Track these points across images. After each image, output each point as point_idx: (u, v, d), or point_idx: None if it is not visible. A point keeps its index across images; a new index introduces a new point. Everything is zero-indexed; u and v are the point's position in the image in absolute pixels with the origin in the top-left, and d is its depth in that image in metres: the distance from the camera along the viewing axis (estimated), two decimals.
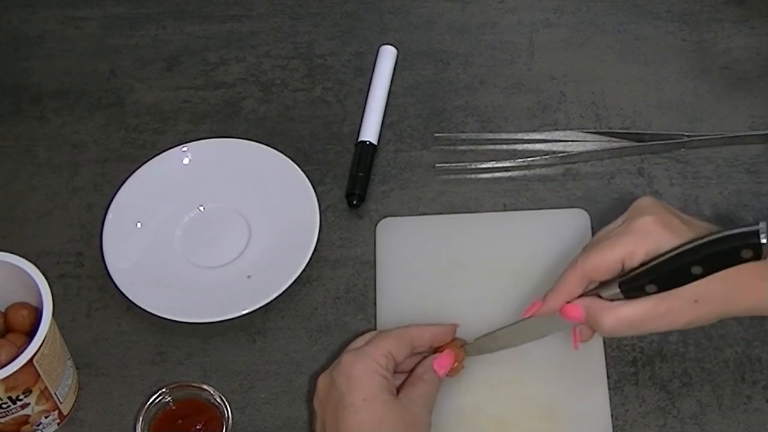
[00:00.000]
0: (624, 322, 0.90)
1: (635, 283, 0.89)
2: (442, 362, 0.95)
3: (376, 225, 1.09)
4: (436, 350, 0.97)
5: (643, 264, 0.89)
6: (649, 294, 0.89)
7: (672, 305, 0.89)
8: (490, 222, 1.09)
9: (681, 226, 0.90)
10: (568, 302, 0.92)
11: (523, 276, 1.04)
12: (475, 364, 0.99)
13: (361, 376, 0.91)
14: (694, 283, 0.88)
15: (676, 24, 1.21)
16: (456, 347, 0.97)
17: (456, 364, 0.97)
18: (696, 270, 0.87)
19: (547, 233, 1.07)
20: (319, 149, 1.15)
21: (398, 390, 0.94)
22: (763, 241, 0.83)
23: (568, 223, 1.08)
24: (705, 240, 0.86)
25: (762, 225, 0.83)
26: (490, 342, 0.98)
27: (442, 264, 1.06)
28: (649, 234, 0.89)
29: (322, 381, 0.93)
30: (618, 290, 0.90)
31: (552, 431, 0.97)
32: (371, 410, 0.89)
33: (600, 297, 0.91)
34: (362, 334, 1.02)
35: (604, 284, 0.91)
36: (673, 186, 1.10)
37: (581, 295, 0.92)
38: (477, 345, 0.99)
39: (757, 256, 0.84)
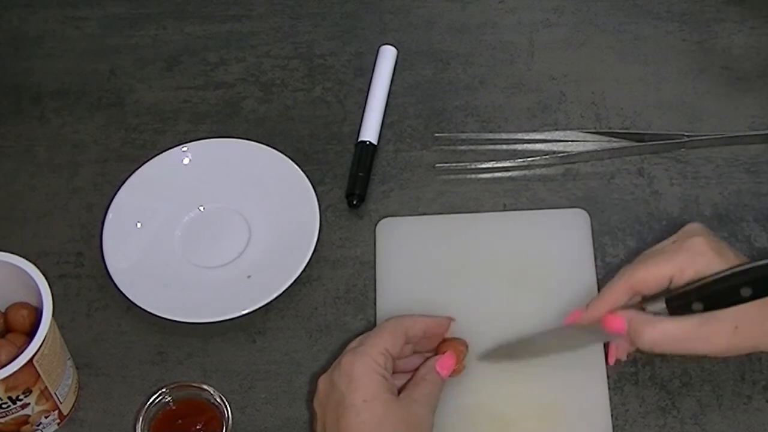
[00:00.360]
0: (667, 338, 0.92)
1: (683, 300, 0.91)
2: (444, 363, 0.95)
3: (376, 225, 1.09)
4: (438, 351, 0.97)
5: (690, 282, 0.91)
6: (694, 312, 0.91)
7: (714, 328, 0.91)
8: (490, 222, 1.09)
9: (729, 252, 0.93)
10: (611, 313, 0.93)
11: (523, 276, 1.05)
12: (476, 364, 0.99)
13: (361, 376, 0.91)
14: (736, 310, 0.89)
15: (676, 24, 1.21)
16: (457, 347, 0.97)
17: (458, 364, 0.97)
18: (745, 292, 0.89)
19: (547, 233, 1.07)
20: (319, 149, 1.15)
21: (400, 390, 0.94)
22: None
23: (568, 223, 1.08)
24: (758, 264, 0.88)
25: None
26: (521, 349, 0.99)
27: (442, 264, 1.06)
28: (701, 255, 0.92)
29: (322, 382, 0.93)
30: (664, 305, 0.92)
31: (552, 431, 0.97)
32: (372, 411, 0.89)
33: (643, 311, 0.93)
34: (362, 334, 1.03)
35: (649, 299, 0.93)
36: (673, 186, 1.10)
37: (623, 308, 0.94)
38: (505, 351, 0.99)
39: None
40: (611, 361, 0.98)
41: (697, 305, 0.91)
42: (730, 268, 0.90)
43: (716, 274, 0.90)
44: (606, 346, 0.99)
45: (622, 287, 0.94)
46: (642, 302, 0.94)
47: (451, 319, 0.98)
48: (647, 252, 0.96)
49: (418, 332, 0.96)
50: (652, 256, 0.94)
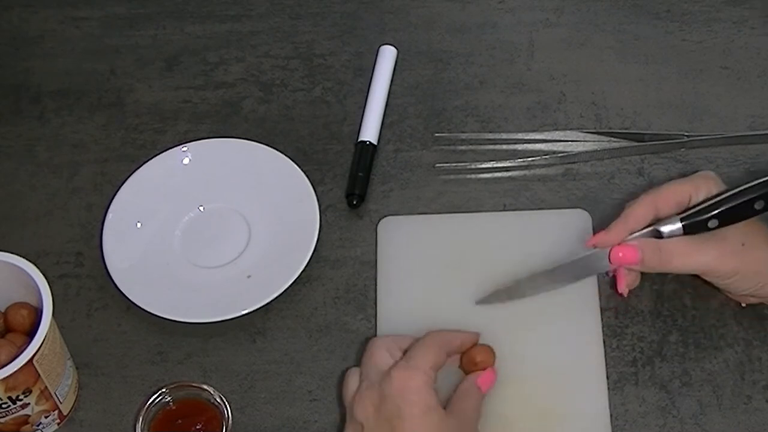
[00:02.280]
0: (677, 251, 0.97)
1: (698, 217, 0.96)
2: (485, 379, 0.97)
3: (377, 224, 1.09)
4: (468, 359, 0.98)
5: (705, 201, 0.96)
6: (710, 229, 0.96)
7: (723, 244, 0.96)
8: (490, 222, 1.09)
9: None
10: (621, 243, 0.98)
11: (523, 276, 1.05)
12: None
13: (419, 390, 0.91)
14: (744, 226, 0.96)
15: (676, 24, 1.21)
16: (488, 355, 0.98)
17: (482, 366, 0.98)
18: (759, 205, 0.95)
19: (547, 233, 1.07)
20: (319, 149, 1.15)
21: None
22: None
23: (569, 224, 1.08)
24: None
25: None
26: (518, 289, 1.02)
27: (443, 264, 1.06)
28: (714, 179, 0.99)
29: (367, 397, 0.93)
30: (680, 224, 0.96)
31: (552, 431, 0.97)
32: (430, 422, 0.91)
33: (658, 235, 0.97)
34: (362, 333, 1.03)
35: (665, 220, 0.97)
36: None
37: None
38: (504, 293, 1.02)
39: None
40: (622, 289, 1.00)
41: (712, 222, 0.96)
42: (744, 184, 0.95)
43: (730, 189, 0.96)
44: (614, 281, 1.02)
45: (645, 207, 0.98)
46: (658, 225, 0.98)
47: (478, 335, 0.99)
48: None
49: (457, 347, 0.97)
50: (668, 183, 0.99)
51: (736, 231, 0.96)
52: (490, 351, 0.98)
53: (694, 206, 0.97)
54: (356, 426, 0.93)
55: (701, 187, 0.98)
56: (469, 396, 0.95)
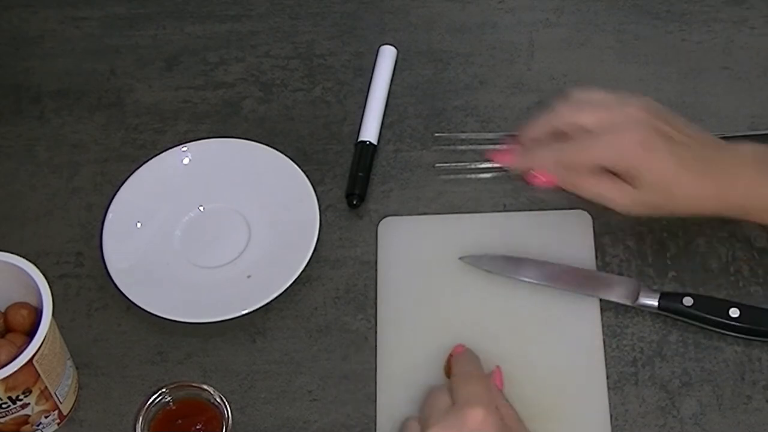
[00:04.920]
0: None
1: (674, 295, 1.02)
2: (497, 378, 0.97)
3: (377, 224, 1.09)
4: (449, 362, 0.99)
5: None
6: (684, 306, 1.01)
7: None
8: (490, 222, 1.09)
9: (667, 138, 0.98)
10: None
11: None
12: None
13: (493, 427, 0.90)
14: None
15: (676, 24, 1.21)
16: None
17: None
18: (734, 312, 1.00)
19: (548, 234, 1.07)
20: (319, 149, 1.15)
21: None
22: None
23: (570, 225, 1.08)
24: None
25: None
26: (510, 266, 1.05)
27: (442, 264, 1.06)
28: (626, 148, 0.98)
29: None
30: (656, 303, 1.02)
31: (552, 431, 0.97)
32: None
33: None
34: (362, 333, 1.03)
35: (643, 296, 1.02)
36: None
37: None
38: (494, 260, 1.05)
39: None
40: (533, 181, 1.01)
41: (687, 300, 1.00)
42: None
43: (710, 295, 1.02)
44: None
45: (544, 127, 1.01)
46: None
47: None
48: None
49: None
50: (582, 137, 0.99)
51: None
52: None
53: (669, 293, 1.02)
54: None
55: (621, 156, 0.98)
56: (504, 405, 0.94)
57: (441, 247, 1.07)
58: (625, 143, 0.97)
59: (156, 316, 1.04)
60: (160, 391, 0.97)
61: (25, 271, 0.96)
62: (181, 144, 1.14)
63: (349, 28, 1.23)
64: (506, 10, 1.23)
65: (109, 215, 1.10)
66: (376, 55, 1.19)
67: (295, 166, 1.11)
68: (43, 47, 1.23)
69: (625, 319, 1.03)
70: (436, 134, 1.15)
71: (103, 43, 1.23)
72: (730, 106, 1.15)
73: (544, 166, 0.99)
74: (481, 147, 1.14)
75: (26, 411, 0.96)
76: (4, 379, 0.91)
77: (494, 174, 1.12)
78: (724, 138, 1.12)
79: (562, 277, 1.03)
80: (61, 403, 0.99)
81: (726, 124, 1.13)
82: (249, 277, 1.07)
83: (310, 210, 1.08)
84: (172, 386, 0.98)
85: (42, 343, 0.93)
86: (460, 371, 0.96)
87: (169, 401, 0.98)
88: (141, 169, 1.12)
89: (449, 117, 1.16)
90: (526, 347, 1.01)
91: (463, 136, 1.15)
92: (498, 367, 0.98)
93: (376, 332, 1.04)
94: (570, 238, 1.07)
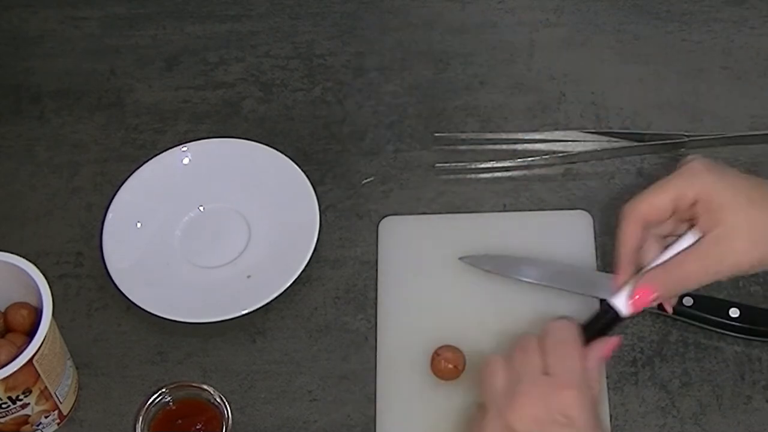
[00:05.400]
0: (690, 273, 0.89)
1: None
2: (606, 349, 0.91)
3: (377, 224, 1.09)
4: (433, 359, 0.99)
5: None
6: (684, 306, 1.01)
7: (728, 245, 0.88)
8: (490, 222, 1.09)
9: (729, 171, 0.90)
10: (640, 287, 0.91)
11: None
12: (476, 365, 0.99)
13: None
14: (745, 221, 0.88)
15: (676, 24, 1.21)
16: (456, 354, 0.99)
17: (452, 366, 0.98)
18: (733, 312, 1.01)
19: (549, 234, 1.07)
20: (319, 149, 1.15)
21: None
22: None
23: (570, 225, 1.08)
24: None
25: None
26: (511, 265, 1.04)
27: (442, 264, 1.06)
28: (697, 175, 0.89)
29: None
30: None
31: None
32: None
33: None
34: (362, 333, 1.03)
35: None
36: None
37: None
38: (495, 260, 1.05)
39: None
40: (670, 311, 0.96)
41: (687, 300, 0.99)
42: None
43: (710, 294, 1.00)
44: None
45: (631, 228, 0.90)
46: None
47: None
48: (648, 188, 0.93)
49: None
50: (650, 188, 0.91)
51: (738, 224, 0.88)
52: (456, 349, 0.99)
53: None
54: None
55: (687, 191, 0.89)
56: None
57: (441, 247, 1.07)
58: (689, 168, 0.91)
59: (156, 316, 1.04)
60: (160, 391, 0.97)
61: (25, 271, 0.96)
62: (181, 144, 1.14)
63: (349, 28, 1.23)
64: (506, 10, 1.23)
65: (109, 215, 1.10)
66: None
67: (295, 166, 1.11)
68: (43, 47, 1.23)
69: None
70: (436, 134, 1.15)
71: (103, 43, 1.23)
72: (730, 106, 1.15)
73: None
74: (481, 147, 1.14)
75: (26, 411, 0.96)
76: (4, 379, 0.91)
77: (494, 174, 1.12)
78: (725, 138, 1.12)
79: (562, 277, 1.03)
80: (61, 403, 0.99)
81: (726, 124, 1.13)
82: (249, 277, 1.07)
83: (310, 210, 1.08)
84: (172, 386, 0.98)
85: (42, 343, 0.93)
86: (558, 339, 0.88)
87: (169, 401, 0.98)
88: (141, 169, 1.12)
89: (449, 117, 1.16)
90: None
91: (463, 136, 1.15)
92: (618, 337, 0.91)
93: (376, 332, 1.04)
94: (570, 238, 1.07)
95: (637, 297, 0.90)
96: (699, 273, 0.89)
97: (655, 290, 0.89)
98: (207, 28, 1.23)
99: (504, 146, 1.14)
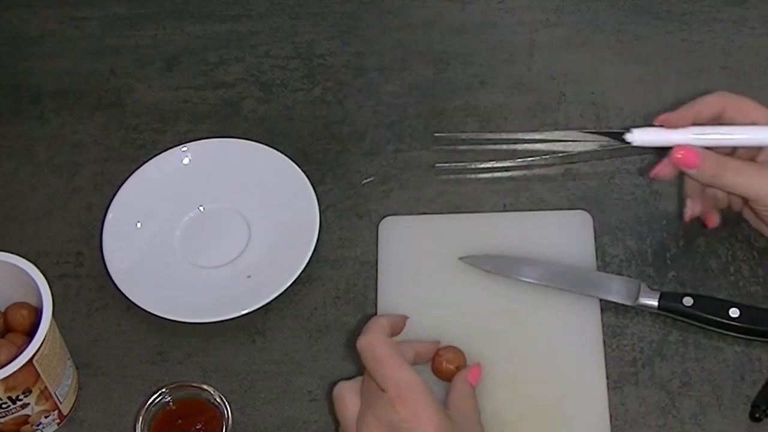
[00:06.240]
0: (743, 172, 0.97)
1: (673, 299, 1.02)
2: (473, 375, 0.96)
3: (377, 224, 1.09)
4: (434, 360, 0.98)
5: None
6: (685, 306, 1.00)
7: None
8: (490, 222, 1.09)
9: None
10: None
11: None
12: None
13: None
14: None
15: (676, 24, 1.21)
16: (458, 355, 0.98)
17: (453, 367, 0.98)
18: (733, 312, 1.00)
19: (549, 234, 1.07)
20: (319, 149, 1.15)
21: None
22: None
23: (570, 225, 1.08)
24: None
25: None
26: (511, 265, 1.04)
27: (442, 264, 1.06)
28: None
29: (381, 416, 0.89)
30: (656, 303, 1.01)
31: (552, 431, 0.97)
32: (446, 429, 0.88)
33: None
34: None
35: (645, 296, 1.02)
36: (672, 186, 1.10)
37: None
38: (494, 260, 1.04)
39: None
40: (655, 174, 1.00)
41: (687, 300, 1.00)
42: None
43: (710, 295, 1.01)
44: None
45: (713, 101, 0.99)
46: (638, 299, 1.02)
47: (438, 343, 0.99)
48: None
49: (410, 358, 0.95)
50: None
51: None
52: (457, 350, 0.99)
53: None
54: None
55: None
56: (467, 397, 0.94)
57: (441, 247, 1.07)
58: None
59: (156, 316, 1.04)
60: (160, 391, 0.97)
61: (25, 271, 0.96)
62: (181, 144, 1.14)
63: (349, 28, 1.23)
64: (506, 10, 1.23)
65: (109, 215, 1.10)
66: None
67: (295, 166, 1.11)
68: (43, 47, 1.23)
69: (625, 319, 1.03)
70: (436, 134, 1.15)
71: (103, 43, 1.23)
72: None
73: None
74: (481, 147, 1.14)
75: (26, 411, 0.96)
76: (4, 379, 0.91)
77: (494, 174, 1.12)
78: None
79: (562, 277, 1.03)
80: (61, 403, 0.99)
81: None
82: (249, 277, 1.07)
83: (310, 210, 1.08)
84: (172, 386, 0.98)
85: (42, 343, 0.93)
86: (374, 357, 0.91)
87: (169, 401, 0.98)
88: (141, 169, 1.12)
89: (449, 117, 1.16)
90: (526, 347, 1.01)
91: (463, 136, 1.15)
92: (476, 364, 0.97)
93: None
94: (570, 238, 1.07)
95: (681, 154, 0.96)
96: (735, 174, 0.96)
97: (699, 158, 0.96)
98: (207, 28, 1.23)
99: (504, 146, 1.14)
